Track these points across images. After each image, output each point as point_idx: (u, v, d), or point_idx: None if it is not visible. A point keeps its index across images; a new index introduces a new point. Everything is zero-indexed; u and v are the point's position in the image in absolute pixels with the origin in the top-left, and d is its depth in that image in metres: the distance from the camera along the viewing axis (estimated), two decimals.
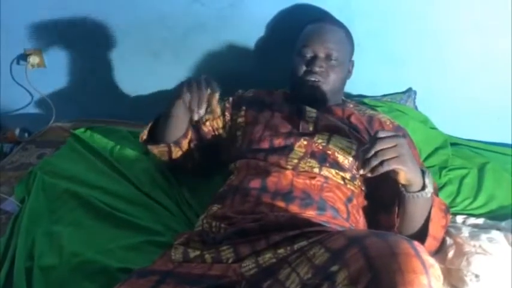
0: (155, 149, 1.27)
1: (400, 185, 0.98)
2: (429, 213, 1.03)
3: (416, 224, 1.04)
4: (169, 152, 1.26)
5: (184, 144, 1.26)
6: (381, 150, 0.90)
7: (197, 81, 1.07)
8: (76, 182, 1.34)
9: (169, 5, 1.54)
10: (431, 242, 1.05)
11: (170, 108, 1.17)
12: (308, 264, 0.80)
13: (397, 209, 1.05)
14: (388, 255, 0.70)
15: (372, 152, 0.90)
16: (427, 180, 0.98)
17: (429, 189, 0.98)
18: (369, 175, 0.91)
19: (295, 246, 0.88)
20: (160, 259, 1.00)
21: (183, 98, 1.07)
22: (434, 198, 1.04)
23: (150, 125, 1.28)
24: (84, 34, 1.63)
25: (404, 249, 0.71)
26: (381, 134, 0.91)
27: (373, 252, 0.72)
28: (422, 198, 0.99)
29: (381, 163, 0.89)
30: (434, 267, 0.72)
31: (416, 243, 0.74)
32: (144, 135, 1.28)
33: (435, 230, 1.05)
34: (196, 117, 1.05)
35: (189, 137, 1.27)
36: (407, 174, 0.93)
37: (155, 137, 1.27)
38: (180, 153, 1.27)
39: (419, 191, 0.98)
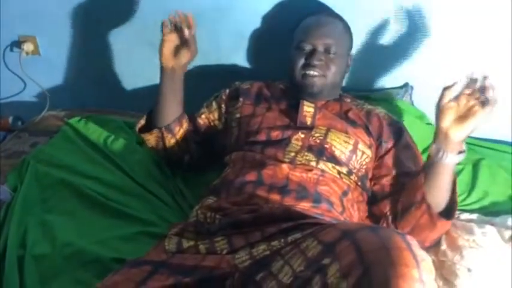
0: (149, 136, 1.27)
1: (439, 148, 1.00)
2: (454, 184, 1.05)
3: (442, 193, 1.05)
4: (163, 138, 1.26)
5: (178, 132, 1.26)
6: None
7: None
8: (70, 171, 1.33)
9: None
10: (454, 215, 1.07)
11: (160, 82, 1.23)
12: (301, 257, 0.80)
13: (422, 182, 1.05)
14: (380, 249, 0.71)
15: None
16: (463, 144, 1.01)
17: (465, 153, 1.02)
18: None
19: (289, 239, 0.88)
20: (154, 249, 1.00)
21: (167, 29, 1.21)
22: None
23: (146, 114, 1.29)
24: (80, 22, 1.62)
25: (396, 243, 0.71)
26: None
27: (365, 246, 0.72)
28: (455, 163, 1.02)
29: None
30: (426, 261, 0.72)
31: (408, 237, 0.75)
32: (140, 124, 1.28)
33: (456, 204, 1.07)
34: (187, 34, 1.19)
35: (184, 126, 1.27)
36: (476, 127, 0.96)
37: (150, 126, 1.28)
38: (173, 141, 1.27)
39: (459, 153, 1.01)
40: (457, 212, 1.24)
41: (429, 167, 1.04)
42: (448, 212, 1.05)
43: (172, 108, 1.26)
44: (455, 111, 0.98)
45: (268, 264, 0.85)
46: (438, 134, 1.01)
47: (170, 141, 1.26)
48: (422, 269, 0.69)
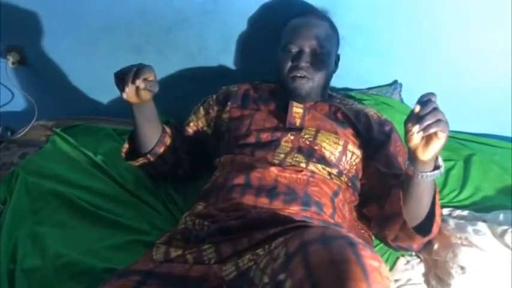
0: (135, 163, 1.26)
1: (411, 165, 0.96)
2: (434, 197, 1.02)
3: (419, 206, 1.02)
4: (150, 162, 1.25)
5: (164, 151, 1.24)
6: (434, 109, 0.88)
7: (128, 68, 1.10)
8: (60, 181, 1.32)
9: None
10: (435, 228, 1.04)
11: (132, 116, 1.19)
12: (271, 266, 0.79)
13: (401, 195, 1.02)
14: (328, 263, 0.69)
15: (430, 109, 0.88)
16: (439, 159, 0.97)
17: (442, 169, 0.97)
18: (422, 134, 0.88)
19: (273, 244, 0.87)
20: (142, 258, 0.99)
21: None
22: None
23: (127, 139, 1.27)
24: (66, 30, 1.60)
25: (344, 256, 0.70)
26: (433, 98, 0.90)
27: (313, 261, 0.70)
28: (432, 179, 0.98)
29: (432, 123, 0.87)
30: (378, 271, 0.70)
31: (360, 247, 0.72)
32: (124, 148, 1.26)
33: (438, 217, 1.04)
34: (124, 96, 1.10)
35: (168, 143, 1.25)
36: (442, 143, 0.91)
37: (134, 148, 1.26)
38: (161, 161, 1.25)
39: (433, 170, 0.96)
40: (450, 209, 1.25)
41: (405, 183, 1.01)
42: (427, 226, 1.03)
43: (151, 134, 1.23)
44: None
45: (251, 275, 0.84)
46: (409, 153, 0.98)
47: (157, 161, 1.25)
48: (371, 282, 0.67)
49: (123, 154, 1.27)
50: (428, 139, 0.91)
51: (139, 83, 1.07)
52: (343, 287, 0.66)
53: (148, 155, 1.23)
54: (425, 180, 0.97)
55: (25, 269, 1.07)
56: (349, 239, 0.75)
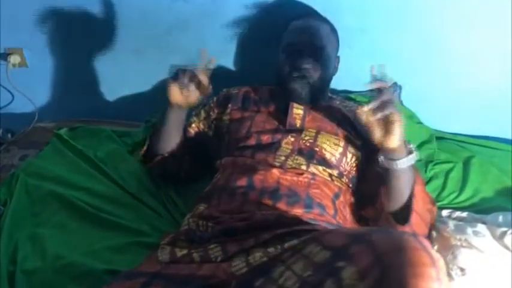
0: (150, 164, 1.28)
1: (386, 158, 1.00)
2: (412, 188, 1.05)
3: (401, 198, 1.05)
4: (164, 160, 1.26)
5: (177, 150, 1.26)
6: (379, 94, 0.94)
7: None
8: (60, 183, 1.32)
9: (152, 1, 1.52)
10: (417, 220, 1.05)
11: (165, 115, 1.21)
12: (305, 262, 0.80)
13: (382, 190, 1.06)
14: (396, 250, 0.71)
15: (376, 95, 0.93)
16: (411, 146, 1.02)
17: (416, 154, 1.01)
18: (377, 116, 0.93)
19: (286, 245, 0.88)
20: (147, 260, 0.99)
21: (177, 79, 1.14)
22: (416, 176, 1.07)
23: (147, 142, 1.29)
24: (66, 33, 1.61)
25: (411, 243, 0.71)
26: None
27: (381, 248, 0.72)
28: (408, 167, 1.02)
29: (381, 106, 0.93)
30: (440, 260, 0.72)
31: (422, 238, 0.75)
32: (142, 151, 1.29)
33: (420, 208, 1.06)
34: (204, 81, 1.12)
35: (181, 143, 1.27)
36: (401, 123, 0.95)
37: (151, 151, 1.28)
38: (173, 163, 1.27)
39: (406, 156, 1.00)
40: (449, 211, 1.25)
41: (385, 177, 1.05)
42: (405, 216, 1.05)
43: (175, 137, 1.25)
44: (378, 124, 0.97)
45: (268, 271, 0.84)
46: (380, 149, 1.01)
47: (169, 160, 1.27)
48: (438, 268, 0.70)
49: (141, 156, 1.30)
50: (387, 126, 0.95)
51: (203, 78, 1.12)
52: (414, 272, 0.68)
53: (166, 155, 1.26)
54: (403, 168, 1.01)
55: (25, 270, 1.06)
56: (406, 231, 0.78)
